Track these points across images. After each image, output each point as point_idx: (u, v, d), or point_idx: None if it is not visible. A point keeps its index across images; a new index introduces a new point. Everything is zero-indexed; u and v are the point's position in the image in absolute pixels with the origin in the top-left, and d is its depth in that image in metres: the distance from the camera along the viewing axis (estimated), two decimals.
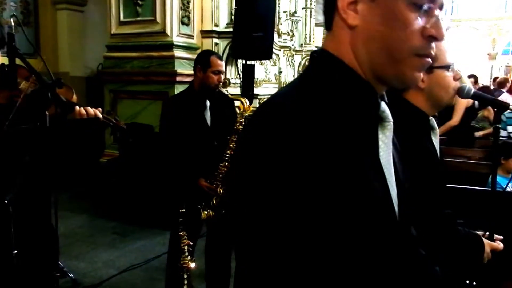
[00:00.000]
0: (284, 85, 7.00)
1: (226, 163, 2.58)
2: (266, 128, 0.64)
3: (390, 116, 0.73)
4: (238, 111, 2.64)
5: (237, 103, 2.72)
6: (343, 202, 0.62)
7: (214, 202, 2.57)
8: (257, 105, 5.43)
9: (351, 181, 0.63)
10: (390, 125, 0.73)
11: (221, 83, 2.62)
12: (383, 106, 0.73)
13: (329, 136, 0.63)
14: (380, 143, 0.71)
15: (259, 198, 0.61)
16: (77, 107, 1.53)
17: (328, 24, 0.73)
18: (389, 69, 0.69)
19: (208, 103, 2.65)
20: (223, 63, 2.67)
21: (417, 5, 0.67)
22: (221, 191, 2.56)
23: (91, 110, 1.57)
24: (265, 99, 0.77)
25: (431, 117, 1.43)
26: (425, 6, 0.67)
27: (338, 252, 0.62)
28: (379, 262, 0.67)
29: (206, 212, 2.55)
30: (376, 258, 0.66)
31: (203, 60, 2.61)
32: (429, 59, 0.70)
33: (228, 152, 2.57)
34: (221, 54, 5.22)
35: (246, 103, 2.62)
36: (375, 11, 0.67)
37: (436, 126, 1.45)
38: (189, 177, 2.58)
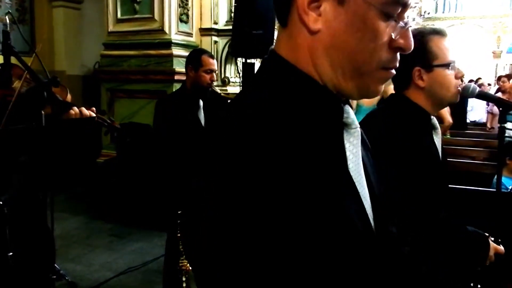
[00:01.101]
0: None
1: None
2: (226, 145, 0.58)
3: (356, 121, 0.68)
4: None
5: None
6: (314, 223, 0.57)
7: None
8: None
9: (321, 200, 0.58)
10: (356, 131, 0.68)
11: (213, 82, 2.64)
12: (347, 110, 0.67)
13: (291, 153, 0.57)
14: (348, 153, 0.66)
15: (229, 212, 0.56)
16: (72, 111, 1.53)
17: (281, 19, 0.65)
18: (351, 82, 0.64)
19: (201, 103, 2.67)
20: (214, 61, 2.69)
21: (388, 15, 0.61)
22: None
23: (86, 112, 1.57)
24: (225, 109, 0.68)
25: (432, 116, 1.43)
26: (395, 17, 0.62)
27: (316, 272, 0.58)
28: (359, 276, 0.63)
29: None
30: (356, 272, 0.63)
31: (194, 60, 2.63)
32: (393, 71, 0.66)
33: None
34: (220, 52, 5.25)
35: None
36: (342, 17, 0.60)
37: (438, 125, 1.45)
38: (183, 178, 2.57)
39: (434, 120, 1.44)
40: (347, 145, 0.66)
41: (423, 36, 1.33)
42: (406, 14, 0.63)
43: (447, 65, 1.35)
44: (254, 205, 0.54)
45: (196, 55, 2.67)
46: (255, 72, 0.71)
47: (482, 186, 2.75)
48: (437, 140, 1.44)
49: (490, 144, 4.68)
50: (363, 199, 0.67)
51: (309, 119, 0.62)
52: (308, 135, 0.60)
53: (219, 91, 2.68)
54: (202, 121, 2.67)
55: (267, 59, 0.68)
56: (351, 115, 0.68)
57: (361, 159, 0.69)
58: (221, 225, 0.56)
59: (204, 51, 2.76)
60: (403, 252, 0.85)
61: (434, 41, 1.34)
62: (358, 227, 0.64)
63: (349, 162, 0.66)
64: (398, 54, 0.65)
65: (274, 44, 0.68)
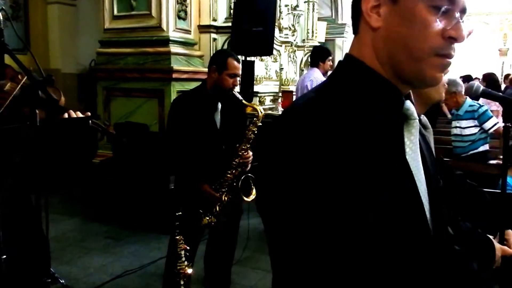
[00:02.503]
0: (285, 82, 6.99)
1: (234, 171, 2.57)
2: (289, 133, 0.68)
3: (415, 114, 0.78)
4: (250, 120, 2.62)
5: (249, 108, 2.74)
6: (371, 205, 0.67)
7: (217, 208, 2.57)
8: (257, 103, 5.43)
9: (378, 183, 0.68)
10: (416, 122, 0.78)
11: (236, 86, 2.58)
12: (408, 104, 0.77)
13: (353, 138, 0.68)
14: (406, 141, 0.76)
15: (287, 205, 0.66)
16: (66, 115, 1.53)
17: (355, 29, 0.80)
18: (409, 68, 0.74)
19: (219, 105, 2.63)
20: (240, 65, 2.63)
21: (436, 8, 0.71)
22: (226, 199, 2.56)
23: (80, 114, 1.57)
24: (292, 104, 0.81)
25: (422, 115, 1.44)
26: (444, 8, 0.72)
27: (370, 254, 0.67)
28: (412, 263, 0.71)
29: (207, 218, 2.55)
30: (410, 259, 0.71)
31: (220, 61, 2.56)
32: (450, 60, 0.75)
33: (237, 160, 2.56)
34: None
35: (261, 112, 2.60)
36: (396, 13, 0.73)
37: (428, 124, 1.45)
38: (194, 181, 2.57)
39: (424, 119, 1.44)
40: (406, 134, 0.76)
41: None
42: (456, 14, 0.73)
43: None
44: (314, 186, 0.64)
45: (222, 57, 2.59)
46: (330, 74, 0.83)
47: (487, 187, 2.76)
48: (430, 140, 1.44)
49: (495, 144, 4.68)
50: (419, 185, 0.76)
51: (371, 108, 0.73)
52: (369, 121, 0.72)
53: (240, 98, 2.60)
54: (218, 124, 2.62)
55: (342, 61, 0.81)
56: (411, 107, 0.78)
57: (418, 147, 0.79)
58: (287, 202, 0.66)
59: (230, 54, 2.65)
60: (456, 250, 0.92)
61: None
62: (412, 209, 0.74)
63: (407, 149, 0.76)
64: (453, 44, 0.74)
65: (348, 52, 0.81)
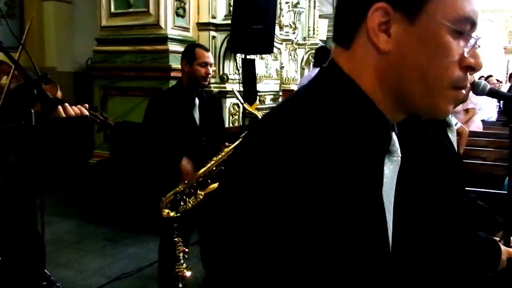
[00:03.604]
0: (286, 81, 6.97)
1: (214, 168, 2.57)
2: (264, 152, 0.61)
3: (399, 151, 0.72)
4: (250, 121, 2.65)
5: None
6: (336, 235, 0.60)
7: (188, 202, 2.49)
8: (258, 102, 5.43)
9: (350, 216, 0.62)
10: (398, 160, 0.72)
11: (209, 76, 2.68)
12: (394, 138, 0.71)
13: (332, 167, 0.61)
14: (384, 179, 0.70)
15: (247, 224, 0.59)
16: (60, 107, 1.52)
17: (344, 42, 0.70)
18: (421, 100, 0.67)
19: (197, 101, 2.70)
20: (209, 54, 2.72)
21: (459, 32, 0.64)
22: (202, 194, 2.51)
23: (76, 109, 1.56)
24: (267, 112, 0.73)
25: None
26: (466, 33, 0.65)
27: (329, 277, 0.61)
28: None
29: (169, 211, 2.45)
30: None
31: (188, 54, 2.67)
32: (464, 92, 0.69)
33: (216, 158, 2.55)
34: (218, 48, 5.25)
35: (260, 117, 2.62)
36: (414, 35, 0.64)
37: (452, 122, 1.46)
38: (176, 178, 2.57)
39: (449, 118, 1.45)
40: (386, 170, 0.70)
41: None
42: (474, 34, 0.66)
43: None
44: (283, 209, 0.58)
45: (189, 49, 2.72)
46: (312, 79, 0.73)
47: (493, 188, 2.75)
48: (453, 138, 1.45)
49: (501, 144, 4.68)
50: (387, 225, 0.71)
51: (357, 139, 0.65)
52: (352, 152, 0.64)
53: (242, 100, 2.70)
54: (197, 120, 2.70)
55: (328, 71, 0.71)
56: (396, 143, 0.72)
57: (394, 185, 0.74)
58: (241, 234, 0.60)
59: (197, 45, 2.82)
60: (411, 264, 0.88)
61: None
62: (377, 247, 0.68)
63: (384, 187, 0.70)
64: (468, 74, 0.67)
65: (333, 60, 0.71)
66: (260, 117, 2.61)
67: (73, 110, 1.55)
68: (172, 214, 2.41)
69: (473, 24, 0.66)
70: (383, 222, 0.69)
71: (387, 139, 0.69)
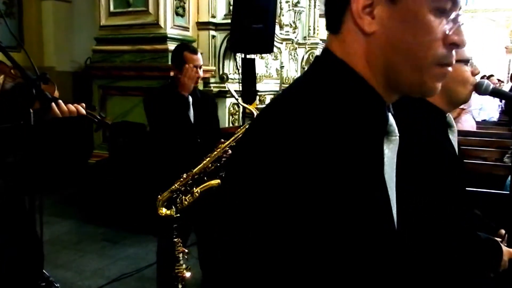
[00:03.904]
0: (286, 80, 6.98)
1: (208, 166, 2.58)
2: (266, 142, 0.63)
3: (396, 130, 0.74)
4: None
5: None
6: (344, 219, 0.62)
7: (184, 202, 2.49)
8: (258, 102, 5.43)
9: (354, 198, 0.63)
10: (396, 139, 0.74)
11: (199, 77, 2.66)
12: (391, 119, 0.73)
13: (333, 150, 0.63)
14: (385, 158, 0.72)
15: (254, 211, 0.60)
16: (53, 104, 1.51)
17: (334, 28, 0.72)
18: (408, 78, 0.70)
19: (190, 99, 2.70)
20: (199, 55, 2.69)
21: (440, 10, 0.67)
22: (198, 191, 2.50)
23: (71, 107, 1.55)
24: (265, 106, 0.74)
25: (448, 114, 1.44)
26: (447, 11, 0.68)
27: (337, 268, 0.62)
28: (378, 275, 0.67)
29: (166, 210, 2.44)
30: (376, 272, 0.67)
31: (177, 58, 2.65)
32: (450, 68, 0.71)
33: (211, 155, 2.55)
34: (218, 48, 5.25)
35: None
36: (396, 16, 0.67)
37: (453, 123, 1.46)
38: (173, 177, 2.57)
39: (450, 118, 1.45)
40: (385, 150, 0.72)
41: None
42: (457, 12, 0.69)
43: (466, 61, 1.36)
44: (288, 195, 0.59)
45: (177, 53, 2.68)
46: (308, 68, 0.75)
47: (494, 188, 2.75)
48: (453, 139, 1.44)
49: (502, 144, 4.67)
50: (391, 203, 0.72)
51: (355, 120, 0.67)
52: (351, 133, 0.66)
53: (237, 96, 2.72)
54: (192, 118, 2.70)
55: (322, 58, 0.73)
56: (393, 123, 0.73)
57: (395, 164, 0.75)
58: (246, 225, 0.61)
59: (185, 47, 2.73)
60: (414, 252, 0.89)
61: None
62: (383, 226, 0.69)
63: (385, 167, 0.71)
64: (453, 51, 0.70)
65: (326, 47, 0.73)
66: (255, 113, 2.63)
67: (68, 108, 1.54)
68: (168, 212, 2.40)
69: (454, 2, 0.68)
70: (387, 201, 0.71)
71: (385, 119, 0.71)
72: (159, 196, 2.42)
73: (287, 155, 0.60)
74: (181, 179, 2.43)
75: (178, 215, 2.34)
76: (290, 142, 0.61)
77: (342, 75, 0.70)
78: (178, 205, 2.41)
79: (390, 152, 0.72)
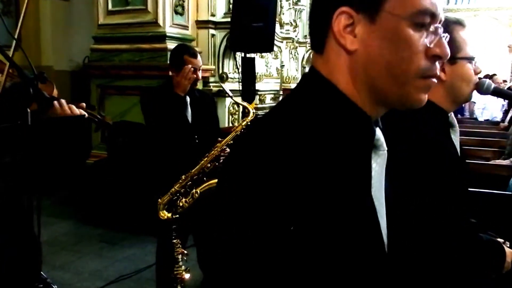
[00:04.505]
0: (286, 80, 6.96)
1: (207, 165, 2.58)
2: (252, 158, 0.65)
3: (384, 144, 0.76)
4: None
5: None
6: (330, 235, 0.63)
7: (184, 202, 2.49)
8: (258, 102, 5.43)
9: (341, 213, 0.65)
10: (384, 153, 0.76)
11: (198, 80, 2.69)
12: (378, 133, 0.75)
13: (320, 166, 0.65)
14: (373, 173, 0.73)
15: (239, 231, 0.62)
16: (56, 102, 1.51)
17: (318, 47, 0.75)
18: (393, 93, 0.71)
19: (188, 99, 2.71)
20: (198, 58, 2.71)
21: (419, 24, 0.69)
22: (198, 191, 2.50)
23: (73, 107, 1.56)
24: (253, 120, 0.78)
25: (450, 113, 1.44)
26: (427, 24, 0.69)
27: (326, 272, 0.64)
28: None
29: (167, 213, 2.45)
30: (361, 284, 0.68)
31: (176, 60, 2.66)
32: (435, 80, 0.73)
33: (209, 154, 2.55)
34: (218, 46, 5.25)
35: (253, 112, 2.63)
36: (376, 33, 0.69)
37: (455, 123, 1.45)
38: (171, 177, 2.57)
39: (452, 118, 1.44)
40: (373, 164, 0.74)
41: (448, 26, 1.31)
42: (436, 25, 0.71)
43: (470, 59, 1.36)
44: (273, 211, 0.60)
45: (176, 55, 2.69)
46: (296, 86, 0.78)
47: (497, 188, 2.76)
48: (455, 139, 1.44)
49: (505, 144, 4.68)
50: (379, 218, 0.74)
51: (341, 137, 0.70)
52: (338, 150, 0.68)
53: (231, 94, 2.71)
54: (189, 118, 2.71)
55: (308, 76, 0.76)
56: (381, 138, 0.75)
57: (383, 178, 0.77)
58: (232, 238, 0.63)
59: (185, 50, 2.74)
60: (413, 265, 0.89)
61: (459, 32, 1.35)
62: (371, 243, 0.71)
63: (373, 181, 0.73)
64: (437, 63, 0.71)
65: (312, 66, 0.77)
66: (251, 109, 2.63)
67: (70, 108, 1.55)
68: (169, 215, 2.41)
69: (432, 15, 0.70)
70: (375, 220, 0.72)
71: (371, 134, 0.73)
72: (159, 200, 2.42)
73: (274, 167, 0.62)
74: (180, 181, 2.43)
75: (177, 216, 2.34)
76: (276, 158, 0.63)
77: (327, 94, 0.72)
78: (179, 207, 2.42)
79: (378, 166, 0.74)
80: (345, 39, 0.70)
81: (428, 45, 0.70)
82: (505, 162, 4.05)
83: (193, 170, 2.46)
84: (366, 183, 0.72)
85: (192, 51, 2.73)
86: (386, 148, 0.76)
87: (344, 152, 0.69)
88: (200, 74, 2.69)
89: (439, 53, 0.70)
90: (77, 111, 1.58)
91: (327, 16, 0.71)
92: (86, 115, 1.63)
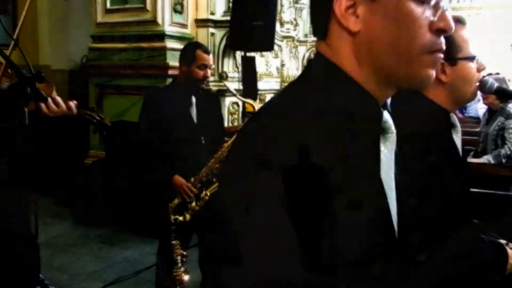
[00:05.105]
0: (287, 79, 6.97)
1: (214, 165, 2.58)
2: (260, 142, 0.65)
3: (393, 127, 0.75)
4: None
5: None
6: (341, 219, 0.63)
7: (194, 205, 2.52)
8: (258, 101, 5.43)
9: (351, 197, 0.65)
10: (392, 136, 0.75)
11: (207, 78, 2.70)
12: (386, 116, 0.74)
13: (328, 149, 0.65)
14: (382, 156, 0.73)
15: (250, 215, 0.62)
16: (42, 104, 1.51)
17: (321, 33, 0.75)
18: (400, 71, 0.71)
19: (194, 99, 2.71)
20: (209, 56, 2.73)
21: (421, 0, 0.68)
22: (207, 193, 2.52)
23: (62, 106, 1.55)
24: (260, 108, 0.78)
25: (452, 114, 1.44)
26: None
27: (333, 270, 0.63)
28: (375, 278, 0.69)
29: (177, 216, 2.47)
30: (373, 275, 0.68)
31: (188, 54, 2.69)
32: (441, 54, 0.72)
33: (216, 155, 2.56)
34: (217, 45, 5.25)
35: (256, 108, 2.65)
36: (378, 11, 0.69)
37: (457, 123, 1.46)
38: (166, 175, 2.58)
39: (454, 118, 1.45)
40: (382, 147, 0.73)
41: None
42: (440, 2, 0.70)
43: (471, 58, 1.36)
44: (283, 195, 0.60)
45: (190, 49, 2.72)
46: (302, 72, 0.78)
47: (499, 189, 2.76)
48: (457, 140, 1.44)
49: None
50: (389, 202, 0.74)
51: (349, 120, 0.69)
52: (346, 133, 0.68)
53: (234, 92, 2.73)
54: (195, 118, 2.71)
55: (313, 61, 0.77)
56: (389, 120, 0.75)
57: (393, 162, 0.77)
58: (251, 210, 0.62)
59: (198, 45, 2.81)
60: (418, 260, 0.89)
61: (458, 31, 1.35)
62: (381, 226, 0.71)
63: (382, 165, 0.73)
64: (442, 37, 0.71)
65: (317, 51, 0.76)
66: (255, 106, 2.65)
67: (58, 105, 1.54)
68: (181, 218, 2.45)
69: None
70: (384, 204, 0.72)
71: (378, 116, 0.73)
72: (170, 204, 2.45)
73: (278, 157, 0.62)
74: (181, 195, 2.46)
75: (189, 218, 2.37)
76: (281, 144, 0.63)
77: (332, 77, 0.72)
78: (189, 211, 2.45)
79: (386, 149, 0.74)
80: (348, 21, 0.69)
81: (432, 18, 0.70)
82: (482, 160, 4.09)
83: (201, 172, 2.47)
84: (375, 166, 0.72)
85: (204, 48, 2.78)
86: (395, 131, 0.75)
87: (351, 134, 0.69)
88: (209, 72, 2.71)
89: (443, 26, 0.70)
90: (63, 105, 1.57)
91: (328, 0, 0.71)
92: (75, 110, 1.63)
